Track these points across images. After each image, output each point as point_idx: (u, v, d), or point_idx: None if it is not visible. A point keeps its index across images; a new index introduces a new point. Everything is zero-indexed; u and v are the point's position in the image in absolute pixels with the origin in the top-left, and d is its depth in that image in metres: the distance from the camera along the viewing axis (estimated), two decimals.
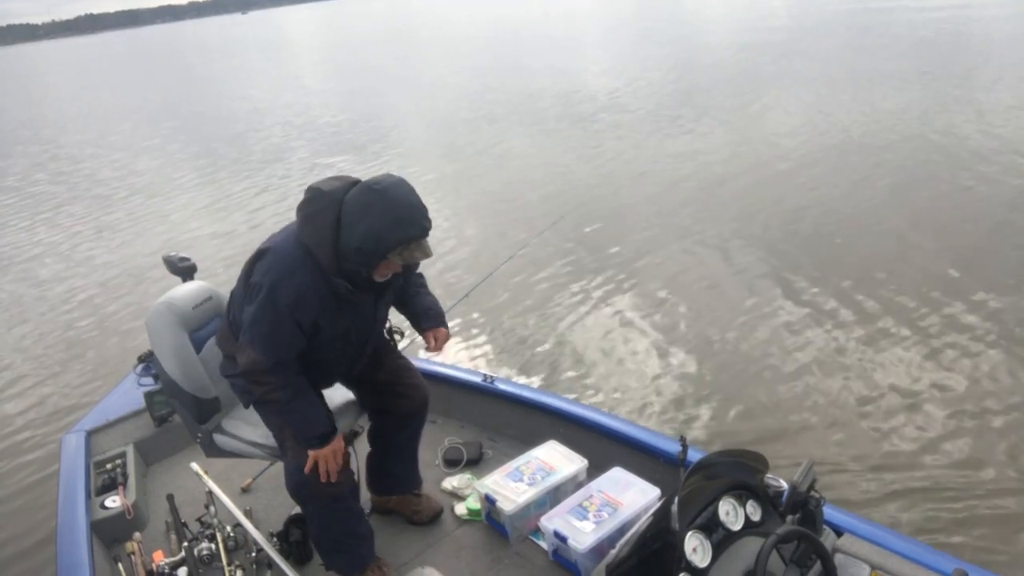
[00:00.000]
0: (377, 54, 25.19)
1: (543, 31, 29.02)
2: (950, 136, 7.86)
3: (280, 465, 2.87)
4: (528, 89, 14.61)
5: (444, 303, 2.57)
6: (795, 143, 8.33)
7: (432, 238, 2.08)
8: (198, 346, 2.58)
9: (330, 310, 2.11)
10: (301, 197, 2.10)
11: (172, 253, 3.27)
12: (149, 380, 3.37)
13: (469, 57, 23.49)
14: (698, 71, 14.25)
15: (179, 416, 2.84)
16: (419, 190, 2.07)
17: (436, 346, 2.47)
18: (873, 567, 1.81)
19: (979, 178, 6.50)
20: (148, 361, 3.50)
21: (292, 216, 2.14)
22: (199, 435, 2.55)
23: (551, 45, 22.72)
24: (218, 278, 6.26)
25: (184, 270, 3.14)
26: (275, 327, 2.08)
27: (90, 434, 3.20)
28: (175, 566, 2.51)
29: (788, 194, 6.78)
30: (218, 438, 2.53)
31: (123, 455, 3.07)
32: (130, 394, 3.42)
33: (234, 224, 8.40)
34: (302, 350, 2.16)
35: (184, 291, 2.66)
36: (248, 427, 2.52)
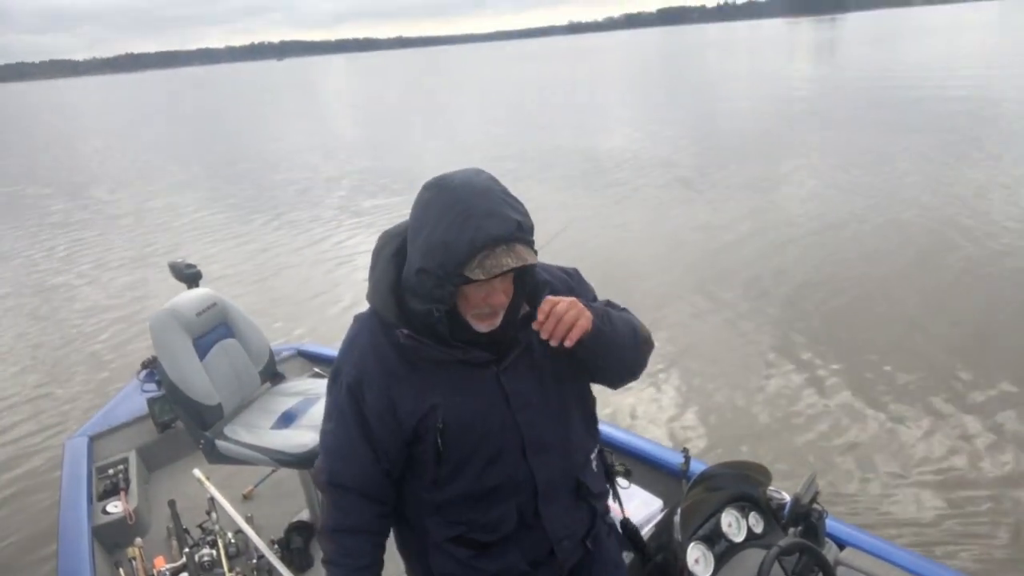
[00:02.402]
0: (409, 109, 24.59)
1: (569, 91, 28.62)
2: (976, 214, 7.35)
3: (282, 472, 2.89)
4: (552, 150, 14.27)
5: None
6: (817, 209, 8.02)
7: None
8: (201, 352, 2.59)
9: (411, 385, 1.39)
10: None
11: (178, 259, 3.27)
12: (152, 386, 3.37)
13: (498, 111, 22.97)
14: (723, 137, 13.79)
15: (182, 422, 2.85)
16: None
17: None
18: None
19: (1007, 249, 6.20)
20: (151, 367, 3.51)
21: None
22: (201, 441, 2.55)
23: (576, 108, 22.16)
24: (223, 286, 6.28)
25: (189, 276, 3.15)
26: (336, 422, 1.44)
27: (93, 439, 3.20)
28: (176, 572, 2.51)
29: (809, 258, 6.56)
30: (220, 444, 2.53)
31: (125, 460, 3.08)
32: (133, 400, 3.42)
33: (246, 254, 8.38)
34: (393, 471, 1.45)
35: (188, 298, 2.67)
36: (250, 434, 2.52)
